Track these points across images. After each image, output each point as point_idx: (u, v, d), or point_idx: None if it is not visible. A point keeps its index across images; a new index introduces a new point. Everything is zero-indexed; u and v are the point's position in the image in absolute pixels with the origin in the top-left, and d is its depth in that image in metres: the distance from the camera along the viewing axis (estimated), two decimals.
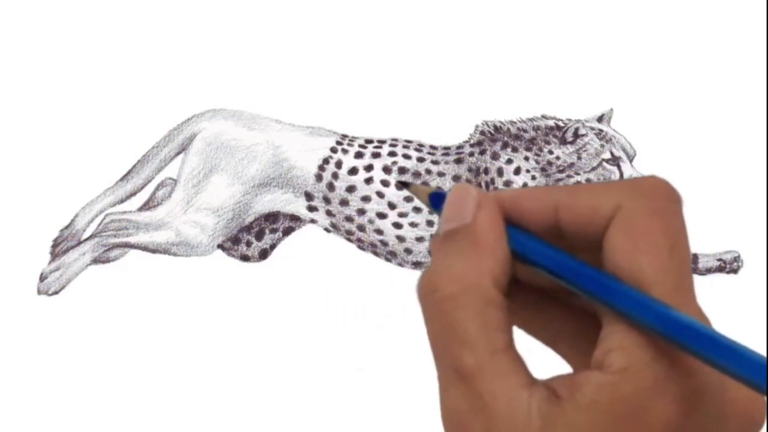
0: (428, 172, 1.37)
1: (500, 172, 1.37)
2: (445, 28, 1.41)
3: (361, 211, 1.37)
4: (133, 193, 1.39)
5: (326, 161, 1.38)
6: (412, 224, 1.36)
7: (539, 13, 1.41)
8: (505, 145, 1.37)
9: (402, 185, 0.48)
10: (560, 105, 1.38)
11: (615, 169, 1.36)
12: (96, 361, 1.32)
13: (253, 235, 1.39)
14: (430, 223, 1.36)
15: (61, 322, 1.34)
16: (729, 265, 1.35)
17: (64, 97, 1.39)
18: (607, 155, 1.36)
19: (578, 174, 1.36)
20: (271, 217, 1.40)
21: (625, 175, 1.35)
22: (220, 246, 1.38)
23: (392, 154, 1.38)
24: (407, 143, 1.38)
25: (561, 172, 1.36)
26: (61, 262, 1.35)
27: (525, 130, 1.38)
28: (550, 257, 0.42)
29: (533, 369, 0.41)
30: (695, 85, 1.39)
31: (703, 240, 1.34)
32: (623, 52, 1.39)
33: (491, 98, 1.38)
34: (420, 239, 1.36)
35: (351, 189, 1.37)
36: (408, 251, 1.37)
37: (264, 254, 1.39)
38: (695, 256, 1.36)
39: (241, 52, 1.40)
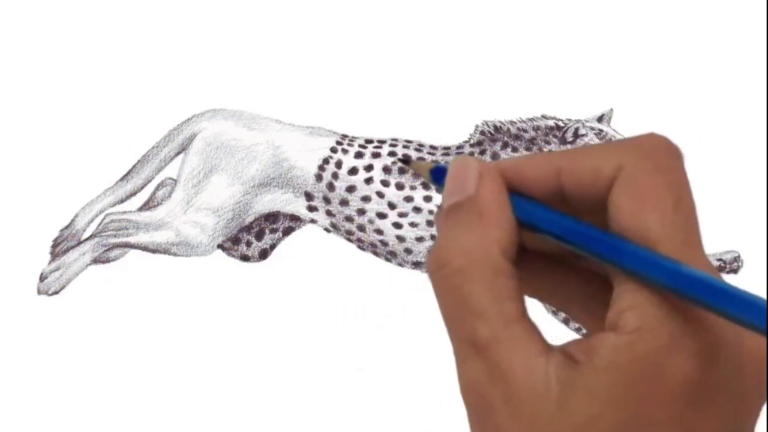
0: None
1: None
2: (445, 28, 1.41)
3: (361, 211, 1.37)
4: (133, 193, 1.39)
5: (326, 161, 1.38)
6: (412, 224, 1.36)
7: (539, 13, 1.41)
8: (505, 145, 1.37)
9: (403, 163, 0.48)
10: (560, 105, 1.38)
11: None
12: (96, 361, 1.32)
13: (253, 235, 1.39)
14: (430, 224, 1.36)
15: (61, 322, 1.34)
16: (729, 265, 1.35)
17: (64, 97, 1.38)
18: None
19: None
20: (271, 217, 1.40)
21: None
22: (220, 246, 1.38)
23: (392, 154, 1.38)
24: (407, 143, 1.38)
25: None
26: (61, 262, 1.35)
27: (525, 130, 1.37)
28: (556, 222, 0.42)
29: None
30: (695, 85, 1.39)
31: (703, 240, 1.34)
32: (623, 52, 1.39)
33: (491, 98, 1.38)
34: (420, 239, 1.36)
35: (351, 189, 1.37)
36: (408, 251, 1.37)
37: (264, 254, 1.39)
38: None
39: (241, 52, 1.40)
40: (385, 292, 1.34)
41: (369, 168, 1.37)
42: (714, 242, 1.35)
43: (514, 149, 1.37)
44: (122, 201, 1.39)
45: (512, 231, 0.42)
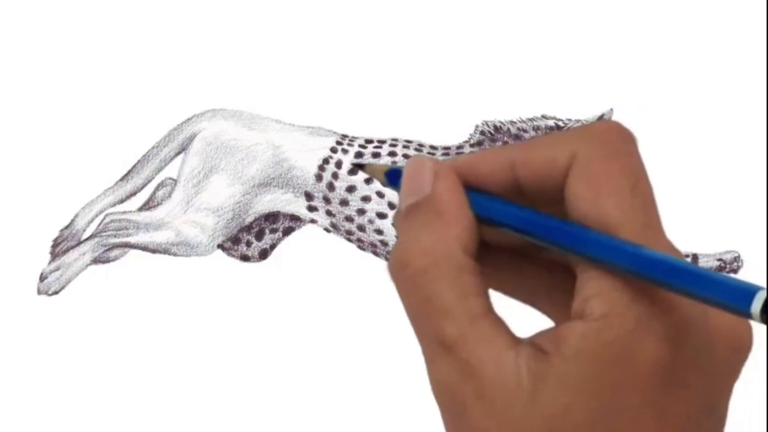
0: None
1: None
2: (445, 28, 1.41)
3: (361, 211, 1.37)
4: (133, 193, 1.39)
5: (326, 161, 1.38)
6: None
7: (539, 13, 1.41)
8: (505, 145, 1.37)
9: (357, 167, 0.48)
10: (560, 105, 1.38)
11: None
12: (96, 361, 1.32)
13: (253, 235, 1.39)
14: None
15: (61, 322, 1.34)
16: (729, 265, 1.35)
17: (64, 97, 1.39)
18: None
19: None
20: (271, 217, 1.40)
21: None
22: (220, 246, 1.38)
23: (392, 154, 1.38)
24: (407, 143, 1.38)
25: None
26: (61, 262, 1.35)
27: (525, 130, 1.38)
28: (514, 215, 0.42)
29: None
30: (695, 85, 1.39)
31: (703, 240, 1.34)
32: (623, 52, 1.39)
33: (491, 98, 1.38)
34: None
35: (351, 189, 1.37)
36: None
37: (264, 254, 1.39)
38: (695, 256, 1.36)
39: (241, 52, 1.40)
40: (385, 292, 1.34)
41: None
42: (714, 242, 1.35)
43: None
44: (122, 201, 1.39)
45: (471, 227, 0.42)
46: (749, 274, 1.34)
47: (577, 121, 1.37)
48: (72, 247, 1.36)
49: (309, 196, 1.38)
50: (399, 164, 1.40)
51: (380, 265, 1.37)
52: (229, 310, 1.34)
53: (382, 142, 1.39)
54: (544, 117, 1.38)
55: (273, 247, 1.40)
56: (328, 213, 1.38)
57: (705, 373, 0.40)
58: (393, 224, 0.53)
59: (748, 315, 0.36)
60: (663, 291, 0.39)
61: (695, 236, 1.34)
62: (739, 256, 1.35)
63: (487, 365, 0.40)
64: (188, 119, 1.39)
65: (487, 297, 0.41)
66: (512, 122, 1.38)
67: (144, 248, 1.37)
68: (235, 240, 1.39)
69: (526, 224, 0.42)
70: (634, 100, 1.38)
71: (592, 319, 0.39)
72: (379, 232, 1.37)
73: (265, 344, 1.33)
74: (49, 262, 1.36)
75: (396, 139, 1.39)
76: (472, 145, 1.38)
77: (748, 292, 0.36)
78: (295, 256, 1.38)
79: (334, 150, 1.38)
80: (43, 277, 1.35)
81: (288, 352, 1.33)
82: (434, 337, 0.41)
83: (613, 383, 0.39)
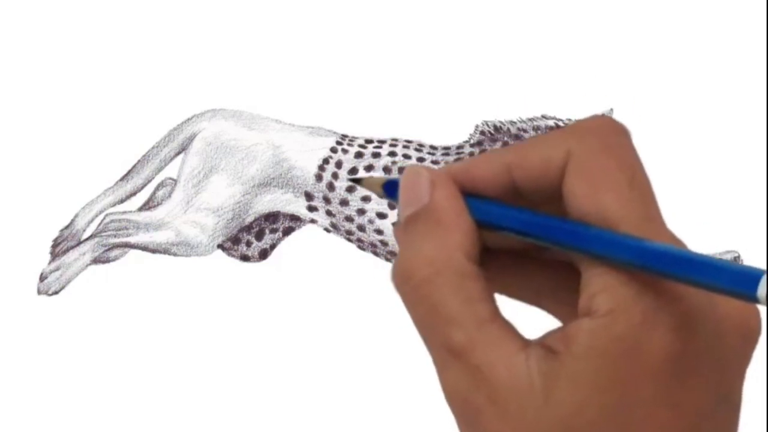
0: None
1: None
2: (445, 28, 1.41)
3: (361, 211, 1.37)
4: (133, 193, 1.39)
5: (326, 161, 1.38)
6: None
7: (539, 13, 1.41)
8: (505, 145, 1.38)
9: (354, 182, 0.48)
10: (560, 105, 1.38)
11: None
12: (96, 361, 1.32)
13: (253, 235, 1.39)
14: None
15: (61, 322, 1.34)
16: None
17: (64, 97, 1.39)
18: None
19: None
20: (271, 217, 1.40)
21: None
22: (220, 246, 1.38)
23: (392, 154, 1.38)
24: (407, 143, 1.38)
25: None
26: (61, 262, 1.35)
27: (525, 130, 1.38)
28: (514, 218, 0.42)
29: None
30: (695, 85, 1.39)
31: (703, 240, 1.34)
32: (623, 52, 1.39)
33: (491, 98, 1.38)
34: None
35: (351, 189, 1.37)
36: None
37: (264, 254, 1.39)
38: None
39: (241, 52, 1.40)
40: (385, 292, 1.34)
41: (369, 168, 1.38)
42: (714, 242, 1.35)
43: None
44: (122, 201, 1.39)
45: (472, 233, 0.42)
46: None
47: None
48: (72, 247, 1.36)
49: (309, 196, 1.38)
50: (395, 174, 1.39)
51: (380, 265, 1.37)
52: (229, 310, 1.34)
53: (382, 142, 1.39)
54: (544, 117, 1.38)
55: (273, 247, 1.40)
56: (328, 213, 1.38)
57: (716, 361, 0.40)
58: (394, 235, 0.53)
59: (755, 300, 0.36)
60: (668, 282, 0.39)
61: (695, 236, 1.34)
62: (739, 256, 1.35)
63: (498, 370, 0.39)
64: (188, 119, 1.39)
65: (492, 301, 0.41)
66: (512, 122, 1.38)
67: (144, 248, 1.37)
68: (235, 240, 1.39)
69: (526, 226, 0.42)
70: (634, 100, 1.38)
71: (599, 315, 0.39)
72: (379, 232, 1.37)
73: (265, 344, 1.33)
74: (49, 262, 1.36)
75: (396, 139, 1.39)
76: (472, 145, 1.38)
77: (753, 276, 0.36)
78: (295, 256, 1.38)
79: (334, 150, 1.38)
80: (43, 277, 1.35)
81: (288, 351, 1.33)
82: (443, 346, 0.41)
83: (624, 378, 0.39)
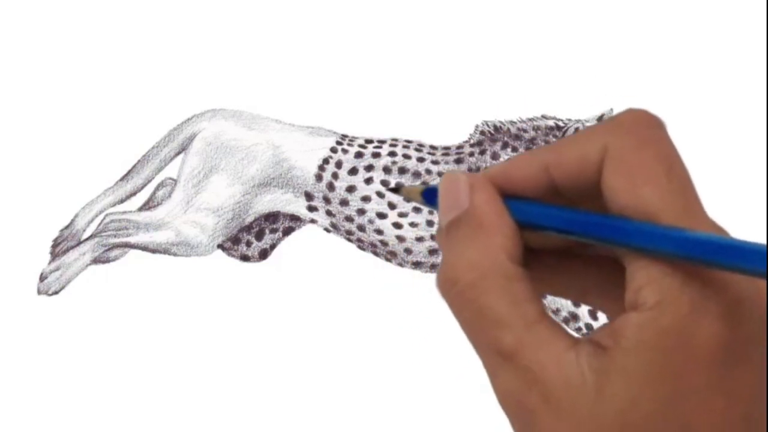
0: (428, 172, 1.37)
1: None
2: (445, 28, 1.41)
3: (361, 211, 1.37)
4: (133, 193, 1.39)
5: (326, 161, 1.38)
6: (412, 224, 1.36)
7: (539, 14, 1.41)
8: (505, 145, 1.37)
9: (393, 191, 0.48)
10: (560, 105, 1.38)
11: None
12: (96, 361, 1.32)
13: (253, 235, 1.39)
14: (430, 223, 1.36)
15: (61, 322, 1.34)
16: None
17: (64, 97, 1.38)
18: None
19: None
20: (271, 217, 1.40)
21: None
22: (220, 246, 1.38)
23: (392, 154, 1.38)
24: (407, 143, 1.38)
25: None
26: (61, 262, 1.35)
27: (525, 130, 1.37)
28: (555, 216, 0.42)
29: None
30: (695, 85, 1.39)
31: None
32: (623, 52, 1.39)
33: (491, 98, 1.38)
34: (420, 239, 1.36)
35: (351, 189, 1.37)
36: (408, 251, 1.37)
37: (264, 254, 1.39)
38: None
39: (241, 52, 1.40)
40: (385, 292, 1.34)
41: (369, 168, 1.37)
42: None
43: (514, 149, 1.37)
44: (122, 201, 1.39)
45: (514, 235, 0.42)
46: None
47: (577, 120, 1.37)
48: (72, 247, 1.36)
49: (309, 196, 1.38)
50: (395, 174, 1.37)
51: (380, 265, 1.37)
52: (229, 310, 1.34)
53: (382, 142, 1.39)
54: (544, 117, 1.38)
55: (273, 247, 1.40)
56: (328, 213, 1.38)
57: (764, 346, 0.40)
58: (436, 242, 0.53)
59: None
60: (713, 271, 0.39)
61: None
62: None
63: (549, 369, 0.40)
64: (188, 119, 1.39)
65: (539, 302, 0.41)
66: (512, 122, 1.38)
67: (144, 248, 1.37)
68: (235, 240, 1.39)
69: (568, 224, 0.42)
70: (634, 100, 1.38)
71: (646, 308, 0.39)
72: (379, 232, 1.36)
73: (265, 344, 1.33)
74: (49, 262, 1.36)
75: (396, 139, 1.39)
76: (472, 145, 1.38)
77: None
78: (295, 256, 1.38)
79: (334, 150, 1.38)
80: (43, 277, 1.35)
81: (288, 351, 1.33)
82: (493, 349, 0.41)
83: (676, 369, 0.39)
